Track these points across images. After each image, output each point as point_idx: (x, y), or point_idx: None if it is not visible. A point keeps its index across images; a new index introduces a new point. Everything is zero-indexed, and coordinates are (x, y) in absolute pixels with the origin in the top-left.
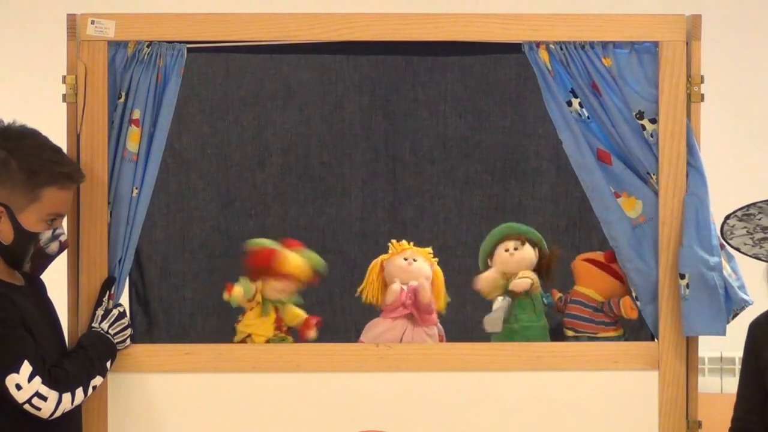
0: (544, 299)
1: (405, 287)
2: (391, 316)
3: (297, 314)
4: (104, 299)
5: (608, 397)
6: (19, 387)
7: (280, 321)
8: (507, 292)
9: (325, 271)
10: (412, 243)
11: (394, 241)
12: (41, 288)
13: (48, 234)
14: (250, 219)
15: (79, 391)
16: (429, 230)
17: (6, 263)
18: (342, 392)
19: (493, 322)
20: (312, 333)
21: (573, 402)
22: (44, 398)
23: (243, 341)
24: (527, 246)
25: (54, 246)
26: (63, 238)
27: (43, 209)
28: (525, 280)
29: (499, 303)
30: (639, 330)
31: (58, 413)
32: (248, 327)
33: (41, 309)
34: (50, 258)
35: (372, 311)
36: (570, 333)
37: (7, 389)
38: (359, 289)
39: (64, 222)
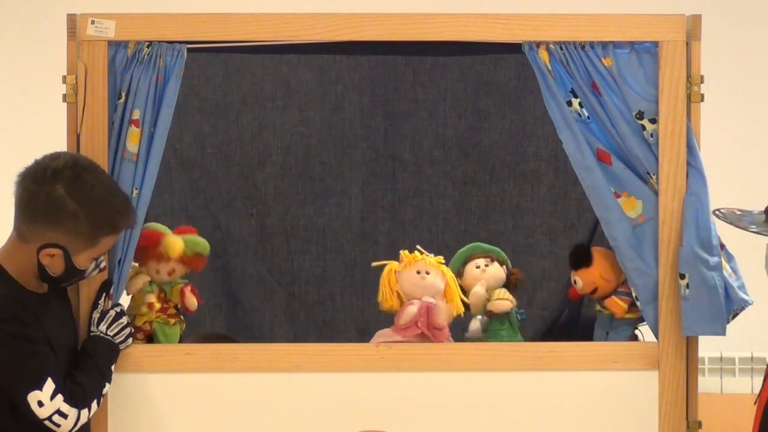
0: (518, 315)
1: (418, 302)
2: (402, 334)
3: (179, 290)
4: (99, 302)
5: (608, 397)
6: (41, 404)
7: (163, 301)
8: (485, 311)
9: (208, 253)
10: (425, 254)
11: (406, 251)
12: (62, 292)
13: (92, 265)
14: (251, 219)
15: (94, 404)
16: (428, 230)
17: (44, 282)
18: (342, 392)
19: (473, 341)
20: (191, 301)
21: (573, 402)
22: (65, 416)
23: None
24: (496, 264)
25: (95, 273)
26: (102, 264)
27: (97, 252)
28: (505, 302)
29: (477, 324)
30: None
31: (75, 429)
32: (133, 310)
33: (62, 316)
34: (82, 279)
35: (372, 312)
36: (598, 307)
37: (28, 405)
38: (378, 299)
39: None
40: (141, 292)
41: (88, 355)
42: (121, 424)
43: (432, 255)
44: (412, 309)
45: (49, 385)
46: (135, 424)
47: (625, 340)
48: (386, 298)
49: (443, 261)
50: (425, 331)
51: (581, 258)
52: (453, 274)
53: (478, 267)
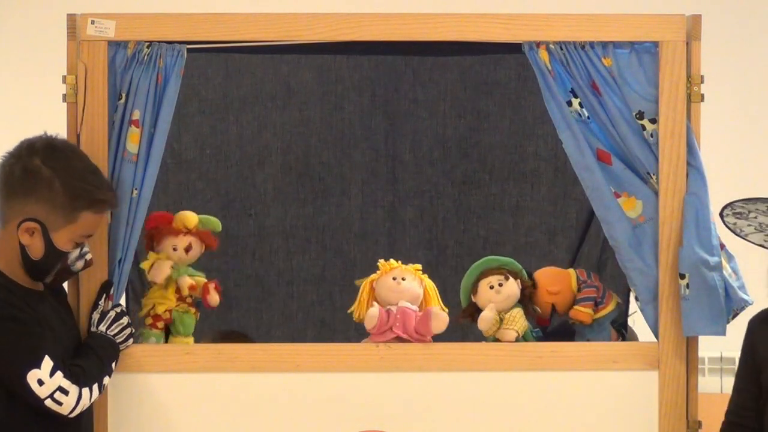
0: (533, 334)
1: (394, 308)
2: (379, 340)
3: (200, 282)
4: (100, 302)
5: (608, 397)
6: (41, 382)
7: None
8: (495, 339)
9: (221, 232)
10: (400, 261)
11: (382, 260)
12: (61, 295)
13: (76, 252)
14: (250, 219)
15: (95, 388)
16: (428, 230)
17: (28, 275)
18: (342, 392)
19: None
20: (214, 298)
21: (573, 402)
22: (66, 392)
23: (147, 314)
24: (510, 280)
25: (80, 264)
26: (88, 256)
27: (76, 231)
28: (510, 332)
29: None
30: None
31: (78, 410)
32: (151, 299)
33: (59, 314)
34: (71, 275)
35: None
36: (570, 320)
37: (27, 386)
38: (350, 309)
39: None
40: (171, 279)
41: (88, 347)
42: (121, 424)
43: (411, 264)
44: (373, 311)
45: (47, 363)
46: (135, 424)
47: (607, 338)
48: (358, 304)
49: (420, 268)
50: (401, 334)
51: (530, 287)
52: (432, 284)
53: (492, 287)
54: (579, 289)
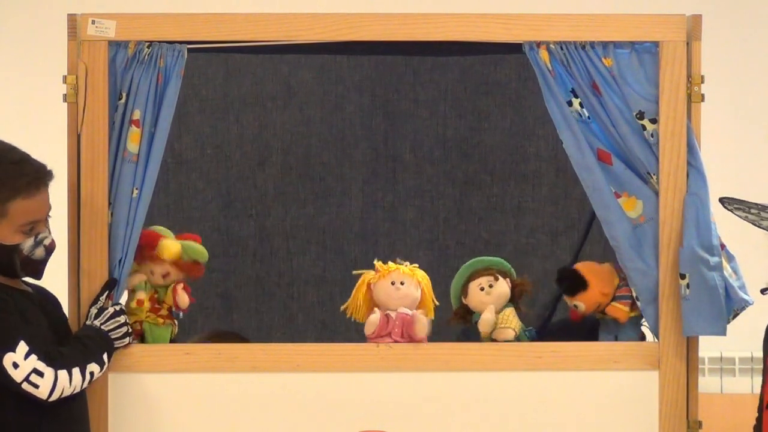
0: (526, 333)
1: (393, 314)
2: (376, 342)
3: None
4: (101, 298)
5: (608, 397)
6: (16, 365)
7: (155, 302)
8: (491, 339)
9: (206, 261)
10: (397, 260)
11: (380, 262)
12: (53, 301)
13: (30, 242)
14: (251, 219)
15: (76, 372)
16: (428, 231)
17: (1, 275)
18: (342, 392)
19: None
20: (183, 299)
21: (573, 402)
22: (41, 374)
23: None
24: (500, 280)
25: (39, 251)
26: (47, 241)
27: (14, 222)
28: (508, 331)
29: None
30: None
31: (56, 394)
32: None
33: (49, 317)
34: (41, 262)
35: None
36: (599, 315)
37: (4, 369)
38: (343, 307)
39: (64, 223)
40: (135, 290)
41: (74, 336)
42: (121, 424)
43: (407, 264)
44: (374, 318)
45: (22, 347)
46: (135, 424)
47: (635, 339)
48: (352, 303)
49: (417, 266)
50: (399, 340)
51: (577, 284)
52: (428, 281)
53: (482, 289)
54: (618, 286)
